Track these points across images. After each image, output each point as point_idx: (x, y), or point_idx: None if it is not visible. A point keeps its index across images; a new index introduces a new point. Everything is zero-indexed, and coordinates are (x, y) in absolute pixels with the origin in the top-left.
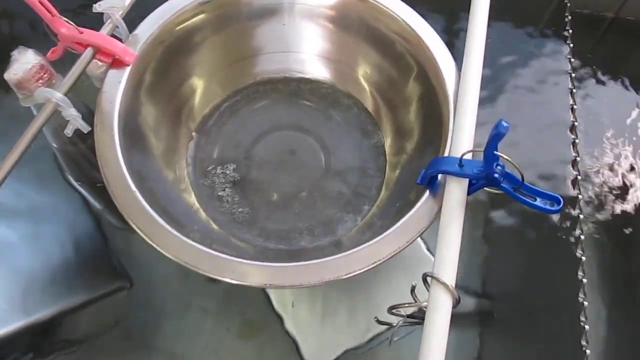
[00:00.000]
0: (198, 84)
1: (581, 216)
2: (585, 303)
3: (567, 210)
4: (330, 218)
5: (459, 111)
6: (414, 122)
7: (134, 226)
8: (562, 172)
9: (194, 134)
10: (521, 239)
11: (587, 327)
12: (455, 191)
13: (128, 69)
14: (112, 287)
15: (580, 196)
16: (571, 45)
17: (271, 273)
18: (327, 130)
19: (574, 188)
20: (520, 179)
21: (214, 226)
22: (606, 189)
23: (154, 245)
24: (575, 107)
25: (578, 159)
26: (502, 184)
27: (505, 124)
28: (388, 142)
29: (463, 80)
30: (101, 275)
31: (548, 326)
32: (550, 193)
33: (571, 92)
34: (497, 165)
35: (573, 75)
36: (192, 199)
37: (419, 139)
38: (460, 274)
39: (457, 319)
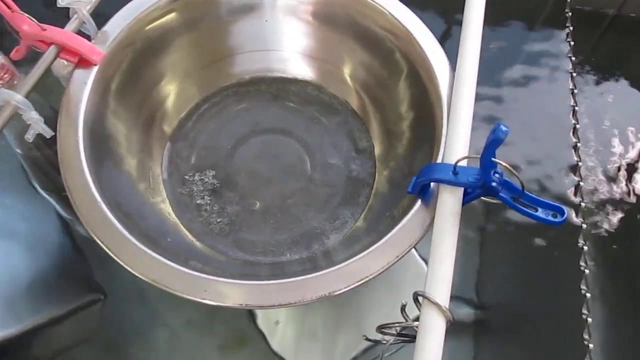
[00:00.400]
0: (173, 85)
1: (584, 225)
2: (589, 320)
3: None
4: (315, 228)
5: (453, 114)
6: (404, 125)
7: (98, 241)
8: (563, 177)
9: (168, 143)
10: (518, 245)
11: (590, 344)
12: (449, 201)
13: (95, 69)
14: (85, 299)
15: (582, 204)
16: (572, 43)
17: (249, 292)
18: (312, 134)
19: (575, 195)
20: (520, 188)
21: (191, 238)
22: (609, 195)
23: (120, 262)
24: (576, 108)
25: (580, 163)
26: (500, 193)
27: (504, 129)
28: (377, 147)
29: (458, 81)
30: (74, 287)
31: (548, 337)
32: (553, 203)
33: (572, 93)
34: (495, 172)
35: (574, 74)
36: (168, 208)
37: (410, 144)
38: (453, 281)
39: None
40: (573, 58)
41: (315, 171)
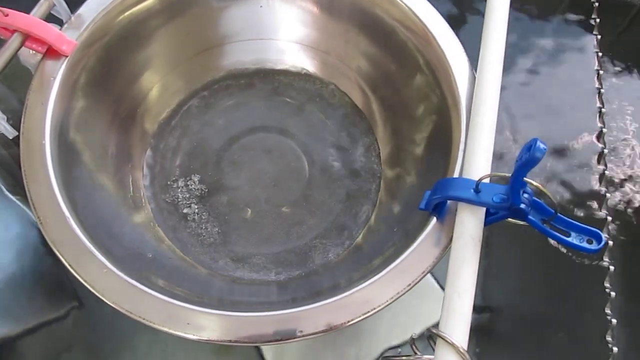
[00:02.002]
0: (156, 78)
1: (609, 218)
2: (614, 321)
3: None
4: (312, 242)
5: (474, 121)
6: (415, 129)
7: (64, 262)
8: (588, 181)
9: (150, 144)
10: (527, 243)
11: (615, 348)
12: (469, 223)
13: (65, 60)
14: (60, 308)
15: (607, 194)
16: (598, 37)
17: (237, 326)
18: (312, 133)
19: (600, 183)
20: (553, 211)
21: (177, 252)
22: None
23: (89, 287)
24: (603, 110)
25: (607, 172)
26: (529, 216)
27: (542, 146)
28: (383, 151)
29: (479, 83)
30: (46, 295)
31: (563, 342)
32: (588, 227)
33: (599, 93)
34: (524, 192)
35: (600, 72)
36: (150, 218)
37: (421, 151)
38: None
39: None
40: (600, 54)
41: (313, 176)
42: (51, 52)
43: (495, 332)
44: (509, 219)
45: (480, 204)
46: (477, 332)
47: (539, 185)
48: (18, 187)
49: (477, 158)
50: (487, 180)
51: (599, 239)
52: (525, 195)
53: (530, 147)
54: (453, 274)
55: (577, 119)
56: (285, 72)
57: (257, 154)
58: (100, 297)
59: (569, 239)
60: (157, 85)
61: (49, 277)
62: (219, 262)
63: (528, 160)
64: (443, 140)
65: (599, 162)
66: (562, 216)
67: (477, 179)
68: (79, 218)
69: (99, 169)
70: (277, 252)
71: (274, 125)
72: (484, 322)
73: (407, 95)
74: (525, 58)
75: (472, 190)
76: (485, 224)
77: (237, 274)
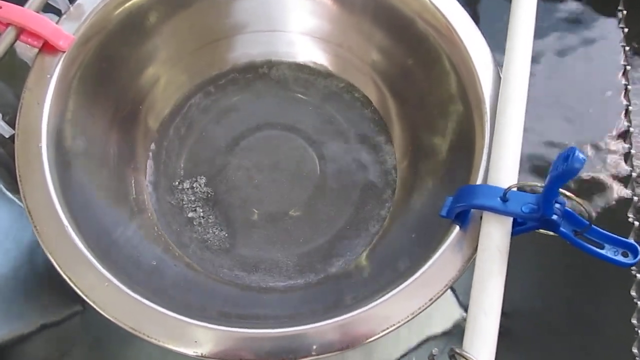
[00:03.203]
0: (159, 73)
1: (636, 222)
2: None
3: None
4: (323, 248)
5: (500, 123)
6: (434, 129)
7: (62, 274)
8: (613, 184)
9: (153, 144)
10: (546, 242)
11: None
12: (496, 235)
13: (62, 56)
14: (66, 309)
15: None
16: (625, 30)
17: (249, 345)
18: (323, 132)
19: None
20: (587, 222)
21: (182, 258)
22: None
23: (89, 301)
24: (630, 108)
25: (634, 174)
26: (561, 228)
27: (581, 157)
28: (399, 152)
29: (505, 82)
30: (50, 296)
31: (586, 349)
32: (623, 239)
33: (625, 90)
34: (556, 202)
35: (628, 68)
36: (154, 223)
37: (441, 153)
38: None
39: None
40: (627, 48)
41: (324, 177)
42: (48, 47)
43: (513, 336)
44: (539, 230)
45: (507, 213)
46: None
47: (574, 197)
48: (17, 185)
49: (504, 164)
50: (514, 189)
51: (635, 252)
52: (558, 206)
53: (567, 156)
54: (478, 289)
55: (601, 117)
56: (295, 66)
57: (265, 152)
58: (101, 312)
59: (603, 252)
60: (160, 80)
61: (51, 277)
62: (225, 268)
63: (565, 172)
64: (465, 142)
65: (625, 162)
66: (596, 227)
67: (504, 186)
68: (77, 225)
69: (99, 171)
70: (287, 258)
71: (283, 122)
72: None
73: (425, 92)
74: (546, 52)
75: (498, 199)
76: (512, 234)
77: (244, 281)
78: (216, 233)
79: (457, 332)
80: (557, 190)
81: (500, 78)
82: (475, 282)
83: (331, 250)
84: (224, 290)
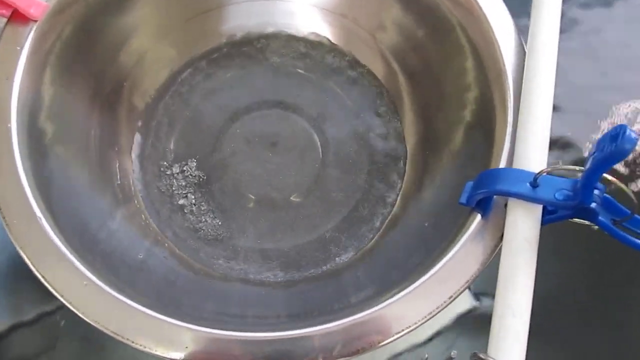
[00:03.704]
0: (145, 46)
1: None
2: None
3: None
4: (327, 236)
5: (527, 100)
6: (448, 107)
7: (36, 273)
8: None
9: (139, 123)
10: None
11: None
12: (524, 224)
13: (34, 26)
14: (45, 305)
15: None
16: None
17: (241, 348)
18: (326, 111)
19: None
20: (629, 211)
21: (173, 250)
22: None
23: (66, 304)
24: None
25: None
26: (599, 217)
27: (633, 136)
28: (410, 131)
29: (532, 51)
30: (31, 291)
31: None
32: None
33: None
34: (595, 188)
35: None
36: (141, 211)
37: (458, 134)
38: (483, 274)
39: (475, 325)
40: None
41: (327, 159)
42: (18, 16)
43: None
44: (573, 220)
45: (538, 201)
46: None
47: (618, 182)
48: None
49: (532, 144)
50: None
51: None
52: (597, 192)
53: (616, 136)
54: (505, 286)
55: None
56: (296, 39)
57: (262, 133)
58: (80, 314)
59: None
60: (146, 55)
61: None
62: (219, 259)
63: (614, 153)
64: (484, 120)
65: None
66: (638, 217)
67: (533, 170)
68: (53, 217)
69: (78, 155)
70: (287, 247)
71: (282, 100)
72: None
73: (438, 66)
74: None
75: (527, 184)
76: (543, 223)
77: (240, 274)
78: (209, 221)
79: (468, 324)
80: (599, 175)
81: (523, 48)
82: (501, 279)
83: (335, 240)
84: (219, 285)
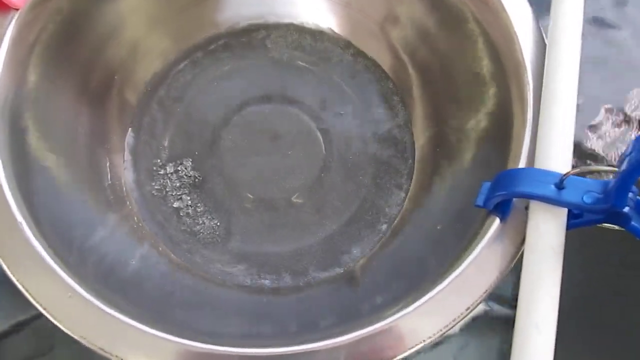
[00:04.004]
0: (137, 37)
1: None
2: None
3: None
4: (331, 239)
5: (549, 94)
6: (460, 100)
7: (16, 283)
8: None
9: (131, 120)
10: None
11: None
12: (549, 230)
13: (16, 15)
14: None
15: None
16: None
17: None
18: (329, 105)
19: None
20: None
21: (168, 255)
22: None
23: (49, 317)
24: None
25: None
26: (632, 222)
27: None
28: (419, 127)
29: (554, 42)
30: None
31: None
32: None
33: None
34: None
35: None
36: (133, 213)
37: (472, 131)
38: None
39: (484, 331)
40: None
41: (331, 156)
42: None
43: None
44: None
45: (564, 204)
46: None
47: None
48: None
49: (556, 143)
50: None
51: None
52: (630, 195)
53: None
54: (529, 298)
55: None
56: (298, 29)
57: (262, 129)
58: (66, 330)
59: None
60: (138, 46)
61: None
62: (218, 264)
63: None
64: (500, 116)
65: None
66: None
67: (557, 170)
68: (36, 221)
69: (66, 155)
70: (288, 251)
71: (283, 94)
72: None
73: (451, 58)
74: None
75: (552, 186)
76: (568, 227)
77: (240, 279)
78: (206, 223)
79: (476, 330)
80: (637, 178)
81: (543, 38)
82: (524, 290)
83: (339, 243)
84: (217, 293)
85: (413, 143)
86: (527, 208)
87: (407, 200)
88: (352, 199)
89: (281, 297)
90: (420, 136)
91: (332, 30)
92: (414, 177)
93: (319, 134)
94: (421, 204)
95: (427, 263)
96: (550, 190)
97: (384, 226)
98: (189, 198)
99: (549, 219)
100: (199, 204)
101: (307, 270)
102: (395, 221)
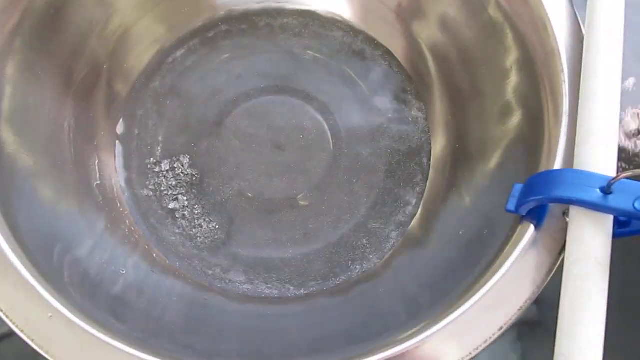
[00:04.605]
0: (128, 23)
1: None
2: None
3: None
4: (339, 244)
5: (589, 85)
6: (484, 96)
7: None
8: None
9: (122, 115)
10: None
11: None
12: (594, 240)
13: None
14: None
15: None
16: None
17: None
18: (337, 98)
19: None
20: None
21: (162, 261)
22: None
23: (26, 340)
24: None
25: None
26: None
27: None
28: (437, 123)
29: (592, 25)
30: None
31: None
32: None
33: None
34: None
35: None
36: (125, 216)
37: (496, 128)
38: None
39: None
40: None
41: (340, 154)
42: None
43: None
44: None
45: (611, 211)
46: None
47: None
48: None
49: (599, 142)
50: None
51: None
52: None
53: None
54: (572, 318)
55: None
56: (304, 15)
57: (265, 124)
58: (44, 354)
59: None
60: (129, 32)
61: None
62: (217, 271)
63: None
64: (530, 111)
65: None
66: None
67: (602, 172)
68: (14, 231)
69: (48, 153)
70: (293, 257)
71: (289, 87)
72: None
73: (473, 47)
74: None
75: (597, 191)
76: (614, 236)
77: (240, 288)
78: (204, 226)
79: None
80: None
81: (578, 21)
82: (566, 308)
83: (349, 248)
84: (216, 304)
85: (429, 140)
86: (564, 214)
87: (422, 202)
88: (363, 200)
89: (285, 309)
90: (438, 133)
91: (343, 17)
92: (430, 176)
93: (327, 129)
94: (439, 206)
95: (451, 274)
96: (596, 195)
97: (398, 231)
98: (185, 199)
99: (593, 227)
100: (196, 206)
101: (313, 278)
102: (411, 225)
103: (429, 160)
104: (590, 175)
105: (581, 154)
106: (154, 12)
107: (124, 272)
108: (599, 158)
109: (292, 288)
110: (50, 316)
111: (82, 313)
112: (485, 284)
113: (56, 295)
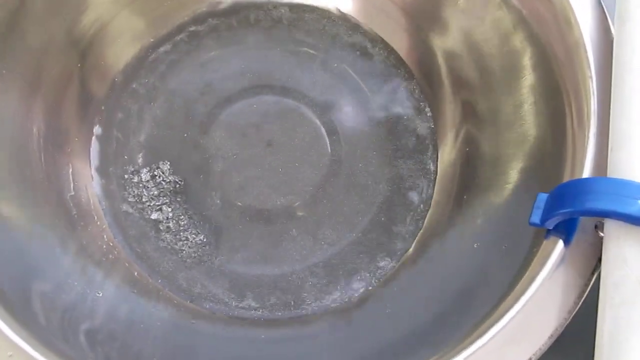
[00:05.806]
0: (105, 16)
1: None
2: None
3: None
4: (337, 258)
5: (623, 84)
6: (496, 94)
7: None
8: None
9: (98, 117)
10: None
11: None
12: (636, 260)
13: None
14: None
15: None
16: None
17: None
18: (336, 98)
19: None
20: None
21: (143, 279)
22: None
23: None
24: None
25: None
26: None
27: None
28: (444, 125)
29: (623, 15)
30: None
31: None
32: None
33: None
34: None
35: None
36: (101, 229)
37: (510, 128)
38: None
39: None
40: None
41: (338, 159)
42: None
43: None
44: None
45: None
46: None
47: None
48: None
49: (639, 147)
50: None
51: None
52: None
53: None
54: (612, 349)
55: None
56: (298, 7)
57: (256, 126)
58: None
59: None
60: (106, 27)
61: None
62: (203, 288)
63: None
64: (551, 111)
65: None
66: None
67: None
68: None
69: (16, 161)
70: (286, 272)
71: (281, 85)
72: None
73: (485, 44)
74: None
75: (638, 202)
76: None
77: (229, 309)
78: (190, 239)
79: None
80: None
81: (604, 11)
82: (606, 342)
83: (347, 264)
84: (203, 328)
85: (436, 143)
86: (596, 227)
87: (430, 212)
88: (364, 209)
89: (276, 333)
90: (446, 135)
91: (339, 10)
92: (437, 183)
93: (324, 131)
94: (449, 216)
95: (465, 295)
96: (637, 206)
97: (403, 244)
98: (169, 209)
99: (635, 245)
100: (181, 216)
101: (308, 296)
102: (417, 237)
103: (436, 164)
104: (628, 185)
105: (617, 161)
106: (133, 6)
107: (100, 294)
108: (637, 165)
109: (280, 308)
110: (10, 355)
111: (50, 349)
112: (509, 308)
113: (18, 331)
